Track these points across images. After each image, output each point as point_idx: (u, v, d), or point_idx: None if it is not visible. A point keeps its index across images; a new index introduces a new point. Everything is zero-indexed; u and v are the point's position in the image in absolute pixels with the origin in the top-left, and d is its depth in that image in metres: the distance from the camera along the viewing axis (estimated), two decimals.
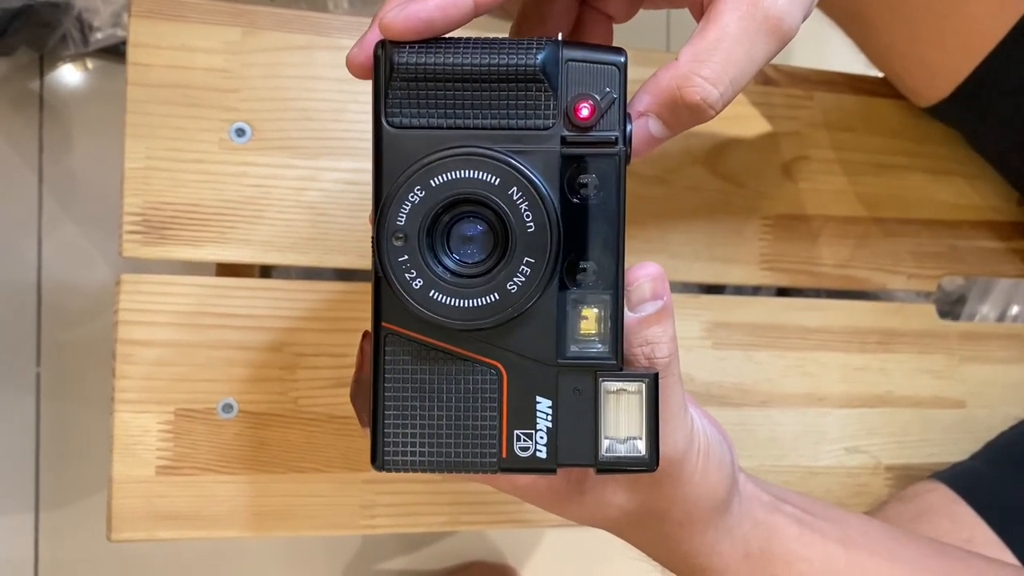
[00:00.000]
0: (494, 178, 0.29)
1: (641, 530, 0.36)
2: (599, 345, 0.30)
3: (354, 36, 0.50)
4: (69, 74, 0.93)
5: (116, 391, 0.47)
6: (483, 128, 0.29)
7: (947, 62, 0.53)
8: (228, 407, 0.48)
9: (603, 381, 0.30)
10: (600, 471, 0.31)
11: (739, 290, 0.60)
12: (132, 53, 0.47)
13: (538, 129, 0.29)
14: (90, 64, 0.93)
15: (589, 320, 0.30)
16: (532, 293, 0.29)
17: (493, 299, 0.29)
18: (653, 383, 0.30)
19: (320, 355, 0.49)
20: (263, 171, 0.49)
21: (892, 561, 0.39)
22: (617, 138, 0.29)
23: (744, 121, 0.56)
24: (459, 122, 0.29)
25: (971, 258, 0.61)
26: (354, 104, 0.50)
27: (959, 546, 0.45)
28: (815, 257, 0.57)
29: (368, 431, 0.31)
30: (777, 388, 0.56)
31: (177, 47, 0.48)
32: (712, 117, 0.31)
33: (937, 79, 0.54)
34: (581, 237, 0.30)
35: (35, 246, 0.91)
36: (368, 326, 0.31)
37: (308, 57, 0.49)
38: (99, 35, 0.87)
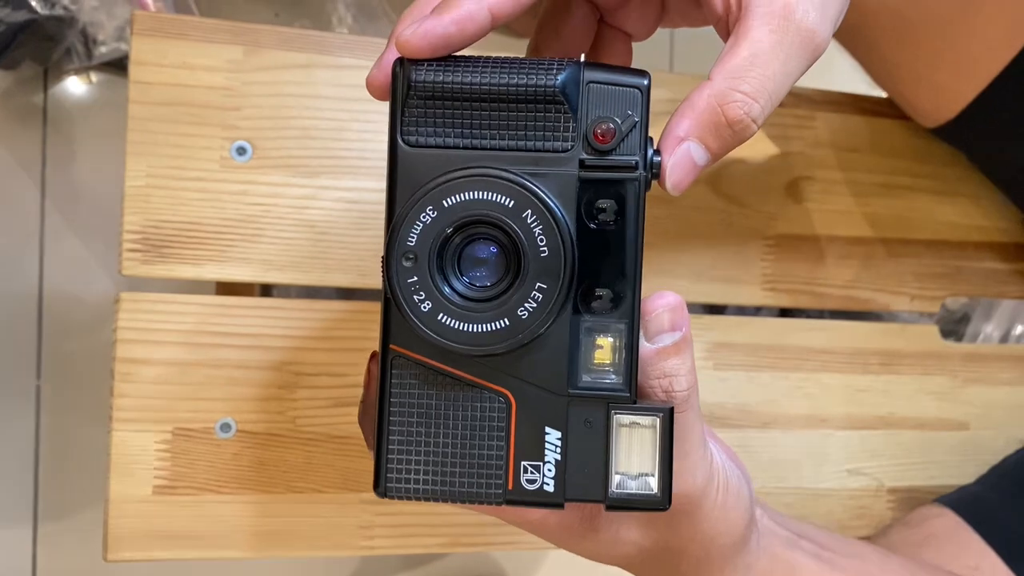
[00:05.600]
0: (508, 200, 0.28)
1: (657, 568, 0.35)
2: (613, 376, 0.29)
3: (355, 55, 0.50)
4: (73, 87, 0.93)
5: (114, 409, 0.47)
6: (500, 149, 0.29)
7: (954, 83, 0.53)
8: (226, 426, 0.48)
9: (615, 414, 0.29)
10: (610, 508, 0.29)
11: (741, 310, 0.60)
12: (134, 71, 0.47)
13: (556, 152, 0.29)
14: (94, 77, 0.93)
15: (603, 349, 0.29)
16: (544, 319, 0.28)
17: (503, 324, 0.28)
18: (668, 418, 0.29)
19: (319, 374, 0.49)
20: (264, 189, 0.48)
21: None
22: (637, 163, 0.29)
23: (748, 141, 0.56)
24: (475, 142, 0.29)
25: (975, 279, 0.60)
26: (355, 123, 0.49)
27: (967, 574, 0.45)
28: (818, 278, 0.57)
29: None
30: (779, 409, 0.56)
31: (179, 65, 0.48)
32: (753, 134, 0.30)
33: (944, 100, 0.54)
34: (597, 263, 0.29)
35: (37, 259, 0.91)
36: (370, 345, 0.30)
37: (309, 76, 0.49)
38: (103, 49, 0.87)
